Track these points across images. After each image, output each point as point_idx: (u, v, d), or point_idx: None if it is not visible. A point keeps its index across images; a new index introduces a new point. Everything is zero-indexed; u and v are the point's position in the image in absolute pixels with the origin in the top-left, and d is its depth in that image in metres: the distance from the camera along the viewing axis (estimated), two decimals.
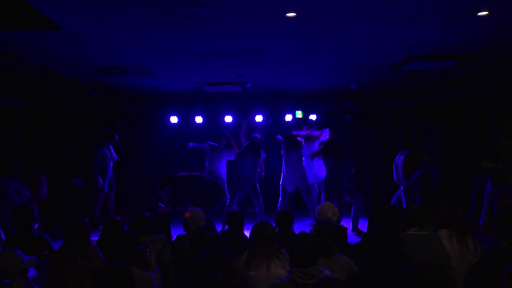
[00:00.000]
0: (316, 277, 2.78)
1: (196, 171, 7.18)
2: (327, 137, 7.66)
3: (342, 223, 5.70)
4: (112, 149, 7.99)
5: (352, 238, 6.36)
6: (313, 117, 9.03)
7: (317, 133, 7.66)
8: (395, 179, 7.56)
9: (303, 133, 7.59)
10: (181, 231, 4.64)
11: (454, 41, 5.06)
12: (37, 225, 4.74)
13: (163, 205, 6.55)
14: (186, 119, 9.00)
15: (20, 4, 3.67)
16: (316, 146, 7.56)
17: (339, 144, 7.18)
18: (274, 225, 4.15)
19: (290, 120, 9.03)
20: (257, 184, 7.30)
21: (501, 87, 7.26)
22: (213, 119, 9.06)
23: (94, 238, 4.51)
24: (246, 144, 7.47)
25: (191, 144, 8.28)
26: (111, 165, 7.94)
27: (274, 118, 9.09)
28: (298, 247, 2.96)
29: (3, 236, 4.35)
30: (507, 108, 8.04)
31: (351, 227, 6.88)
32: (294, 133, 7.51)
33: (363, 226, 6.77)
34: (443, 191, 8.21)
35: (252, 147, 7.29)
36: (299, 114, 8.97)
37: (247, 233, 3.97)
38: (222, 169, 8.28)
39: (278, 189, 7.56)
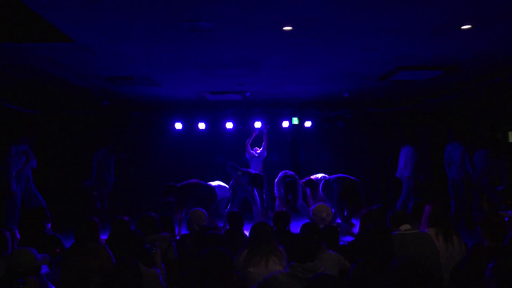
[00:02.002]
0: (313, 272, 2.81)
1: (198, 172, 7.25)
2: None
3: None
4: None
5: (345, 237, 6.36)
6: (308, 123, 9.05)
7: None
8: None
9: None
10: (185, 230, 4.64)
11: (439, 53, 5.07)
12: (50, 224, 4.73)
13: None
14: (190, 126, 9.04)
15: (35, 19, 3.68)
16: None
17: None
18: (271, 224, 4.15)
19: (287, 126, 9.04)
20: (255, 191, 7.28)
21: (483, 96, 7.26)
22: (215, 125, 9.11)
23: (104, 237, 4.50)
24: (252, 172, 7.28)
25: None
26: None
27: (272, 124, 9.11)
28: (301, 244, 2.96)
29: (18, 235, 4.35)
30: (489, 114, 8.05)
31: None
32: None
33: (355, 226, 6.75)
34: (430, 193, 8.22)
35: (255, 180, 7.10)
36: (295, 121, 9.00)
37: (246, 232, 3.97)
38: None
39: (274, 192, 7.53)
